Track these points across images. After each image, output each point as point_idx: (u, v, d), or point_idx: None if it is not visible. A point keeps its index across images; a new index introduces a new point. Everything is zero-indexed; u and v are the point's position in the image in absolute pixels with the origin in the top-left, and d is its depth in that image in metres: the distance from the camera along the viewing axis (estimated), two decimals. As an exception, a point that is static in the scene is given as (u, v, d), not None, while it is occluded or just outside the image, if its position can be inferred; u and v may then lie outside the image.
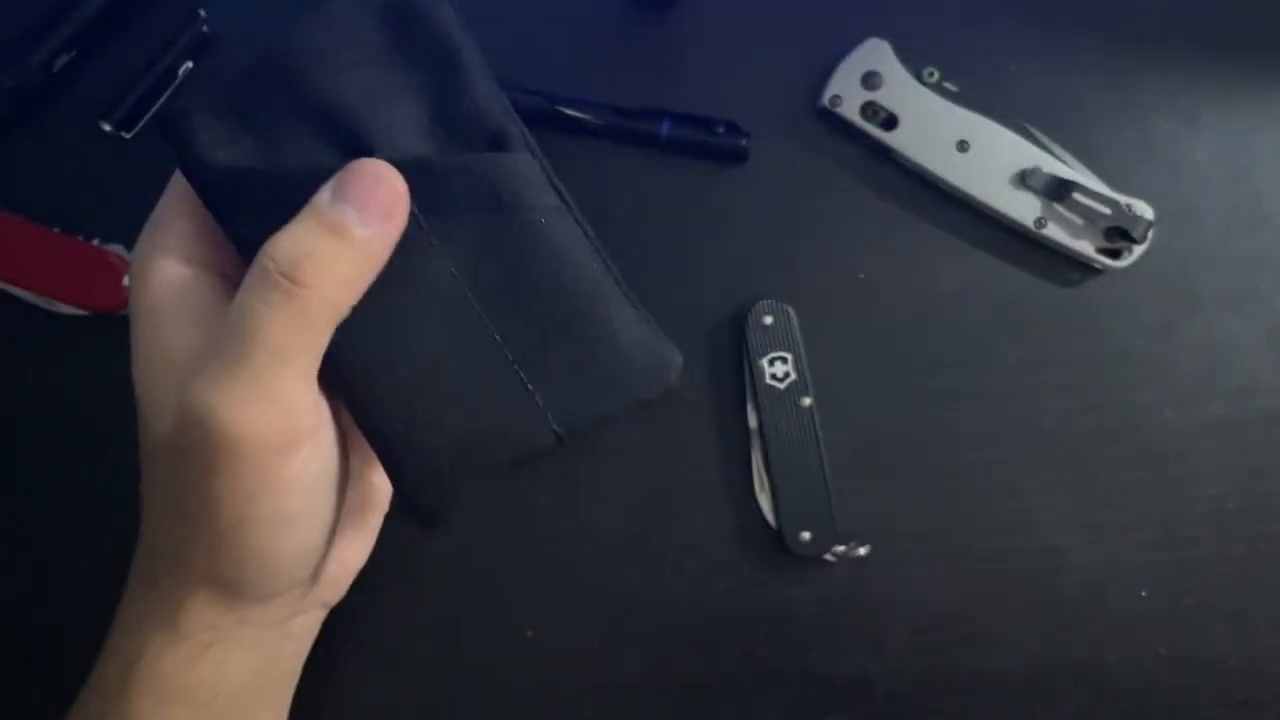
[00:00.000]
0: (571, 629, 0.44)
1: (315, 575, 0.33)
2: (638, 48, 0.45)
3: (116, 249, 0.42)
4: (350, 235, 0.26)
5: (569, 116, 0.43)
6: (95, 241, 0.42)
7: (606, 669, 0.44)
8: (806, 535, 0.43)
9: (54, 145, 0.43)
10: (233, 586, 0.30)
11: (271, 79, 0.27)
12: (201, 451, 0.26)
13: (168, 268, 0.28)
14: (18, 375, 0.44)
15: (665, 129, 0.43)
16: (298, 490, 0.28)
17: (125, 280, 0.42)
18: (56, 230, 0.42)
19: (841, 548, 0.44)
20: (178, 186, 0.29)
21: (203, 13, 0.43)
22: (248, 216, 0.27)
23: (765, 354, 0.43)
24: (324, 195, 0.27)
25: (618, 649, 0.44)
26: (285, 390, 0.26)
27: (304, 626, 0.36)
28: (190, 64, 0.43)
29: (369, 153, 0.27)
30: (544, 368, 0.28)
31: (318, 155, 0.27)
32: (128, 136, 0.43)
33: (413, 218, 0.27)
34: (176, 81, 0.43)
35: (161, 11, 0.43)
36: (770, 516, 0.44)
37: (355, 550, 0.36)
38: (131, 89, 0.42)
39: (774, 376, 0.43)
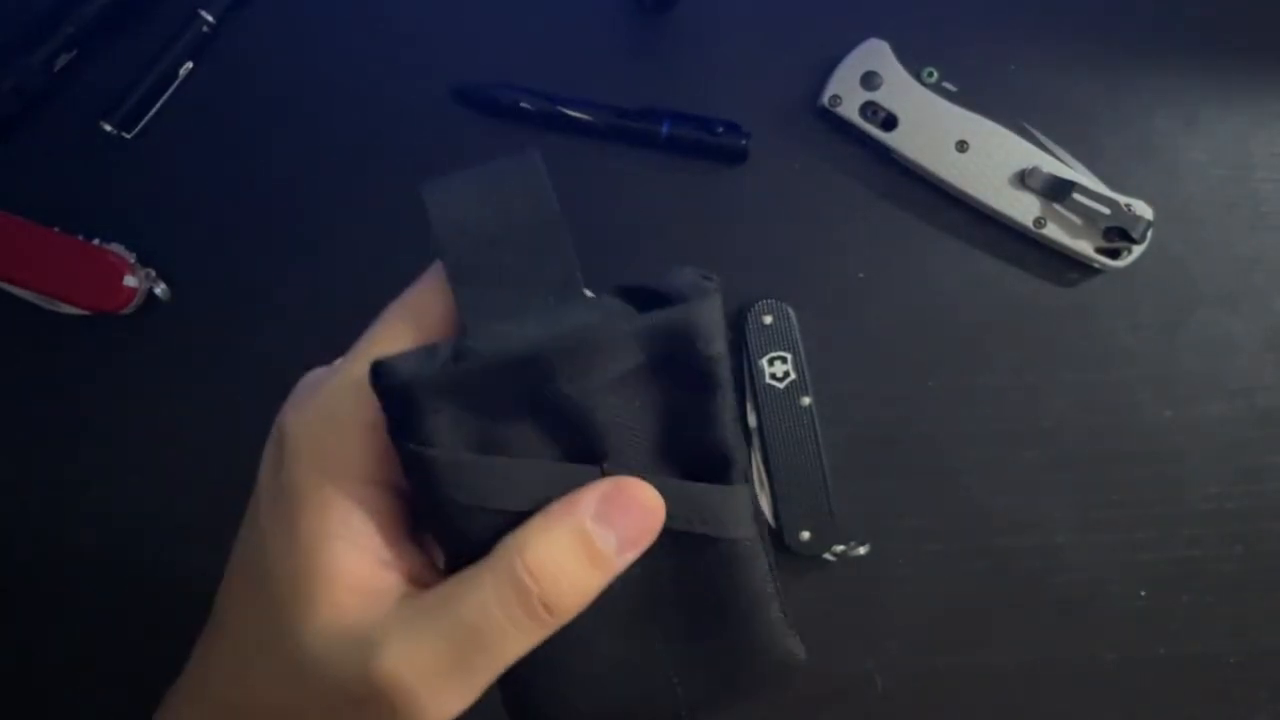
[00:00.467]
0: (571, 629, 0.44)
1: None
2: (638, 48, 0.45)
3: (116, 249, 0.42)
4: (609, 565, 0.25)
5: (569, 116, 0.43)
6: (95, 241, 0.42)
7: (606, 669, 0.44)
8: (806, 535, 0.43)
9: (54, 145, 0.43)
10: None
11: (521, 377, 0.26)
12: (377, 715, 0.25)
13: (347, 489, 0.26)
14: (18, 375, 0.44)
15: (665, 129, 0.43)
16: None
17: (125, 280, 0.42)
18: (56, 230, 0.42)
19: (841, 547, 0.44)
20: (359, 393, 0.26)
21: (204, 12, 0.43)
22: (460, 508, 0.26)
23: (765, 354, 0.43)
24: (587, 511, 0.25)
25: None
26: (484, 689, 0.26)
27: None
28: (190, 64, 0.43)
29: (598, 461, 0.26)
30: (693, 668, 0.28)
31: (543, 456, 0.26)
32: (128, 136, 0.43)
33: None
34: (176, 81, 0.43)
35: (162, 11, 0.43)
36: (770, 516, 0.44)
37: None
38: (132, 89, 0.42)
39: (774, 376, 0.43)
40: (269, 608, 0.26)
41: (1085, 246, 0.44)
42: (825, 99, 0.43)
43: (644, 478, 0.27)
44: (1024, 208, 0.44)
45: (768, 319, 0.43)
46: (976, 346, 0.45)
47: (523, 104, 0.43)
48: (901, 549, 0.45)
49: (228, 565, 0.28)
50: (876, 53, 0.44)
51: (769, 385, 0.44)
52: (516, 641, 0.25)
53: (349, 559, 0.26)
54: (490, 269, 0.26)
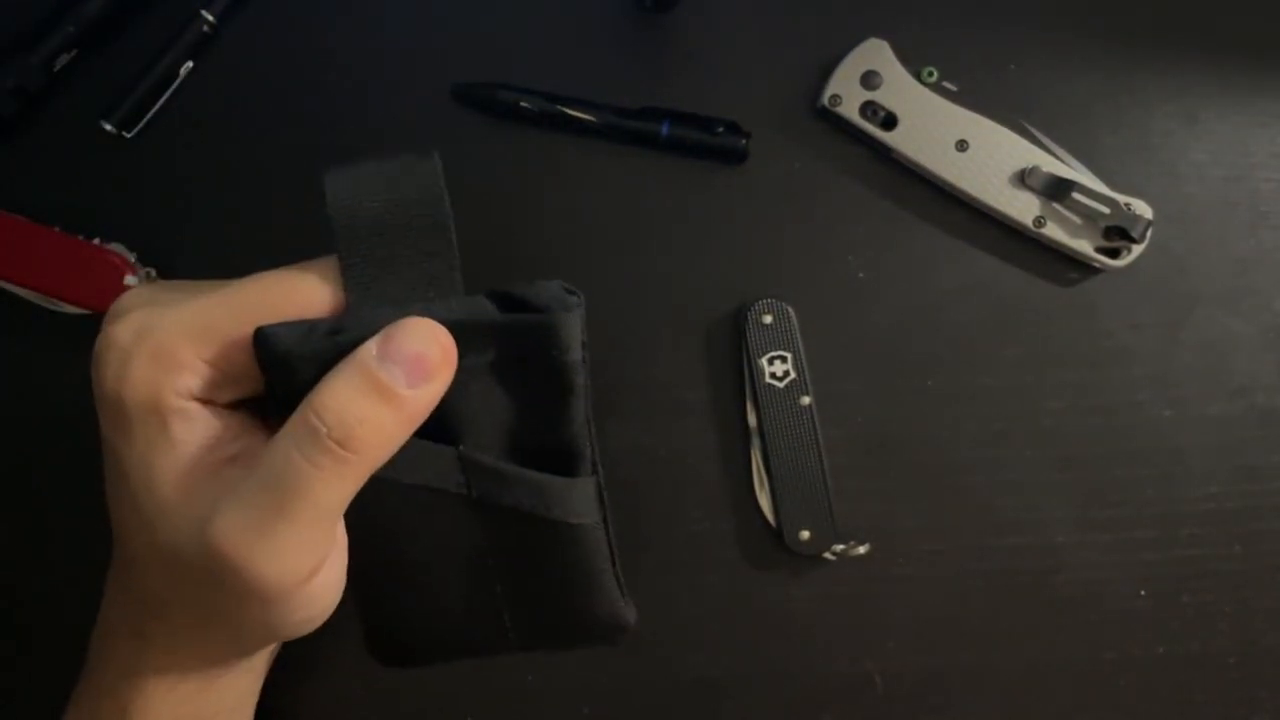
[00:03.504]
0: (571, 628, 0.44)
1: None
2: (638, 48, 0.45)
3: (117, 249, 0.42)
4: (398, 398, 0.26)
5: (569, 116, 0.43)
6: (95, 241, 0.42)
7: (606, 668, 0.44)
8: (806, 534, 0.43)
9: (54, 145, 0.43)
10: (247, 652, 0.32)
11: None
12: (232, 585, 0.27)
13: (185, 405, 0.28)
14: (18, 375, 0.44)
15: (665, 129, 0.43)
16: (319, 600, 0.29)
17: (125, 280, 0.42)
18: (57, 230, 0.42)
19: (841, 547, 0.44)
20: (198, 318, 0.28)
21: (204, 12, 0.43)
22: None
23: (765, 353, 0.44)
24: (370, 351, 0.27)
25: (617, 649, 0.44)
26: (320, 540, 0.27)
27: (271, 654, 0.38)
28: (190, 64, 0.43)
29: (454, 442, 0.29)
30: (526, 615, 0.32)
31: None
32: (128, 136, 0.43)
33: (465, 487, 0.30)
34: (177, 81, 0.43)
35: (161, 11, 0.43)
36: (770, 516, 0.44)
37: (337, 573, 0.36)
38: (132, 89, 0.42)
39: (773, 375, 0.44)
40: (130, 506, 0.29)
41: (1085, 246, 0.44)
42: (825, 98, 0.43)
43: (497, 464, 0.30)
44: (1024, 207, 0.44)
45: (768, 319, 0.43)
46: (976, 346, 0.45)
47: (523, 104, 0.43)
48: (901, 549, 0.45)
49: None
50: (876, 52, 0.44)
51: (768, 385, 0.44)
52: (323, 483, 0.26)
53: (184, 457, 0.28)
54: (377, 258, 0.28)
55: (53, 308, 0.42)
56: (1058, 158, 0.44)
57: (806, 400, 0.44)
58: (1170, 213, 0.45)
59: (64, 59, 0.42)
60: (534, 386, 0.30)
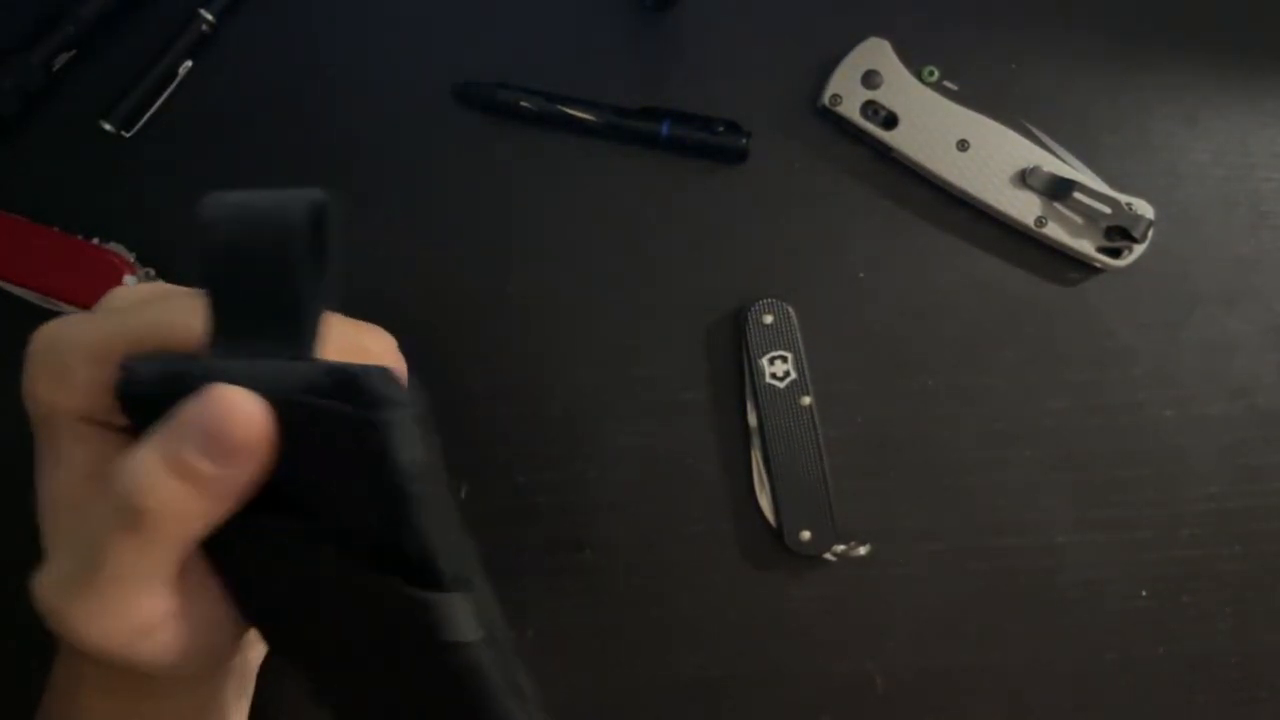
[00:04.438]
0: (572, 629, 0.44)
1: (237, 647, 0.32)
2: (638, 48, 0.45)
3: (116, 249, 0.42)
4: (199, 478, 0.24)
5: (569, 116, 0.43)
6: (95, 241, 0.42)
7: (606, 668, 0.44)
8: (806, 534, 0.43)
9: (54, 145, 0.43)
10: (139, 684, 0.30)
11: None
12: (67, 635, 0.26)
13: (76, 425, 0.27)
14: (17, 375, 0.44)
15: (665, 129, 0.43)
16: (169, 654, 0.27)
17: (125, 280, 0.42)
18: (57, 230, 0.42)
19: (841, 547, 0.44)
20: (98, 338, 0.27)
21: (203, 12, 0.43)
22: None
23: (765, 353, 0.43)
24: (179, 419, 0.24)
25: (617, 649, 0.44)
26: (135, 607, 0.25)
27: (241, 669, 0.36)
28: (190, 63, 0.43)
29: (300, 521, 0.26)
30: (421, 708, 0.30)
31: None
32: (128, 136, 0.43)
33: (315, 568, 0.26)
34: (176, 81, 0.43)
35: (161, 11, 0.43)
36: (770, 516, 0.44)
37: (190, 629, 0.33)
38: (131, 89, 0.42)
39: (774, 375, 0.43)
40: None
41: (1086, 246, 0.44)
42: (826, 98, 0.43)
43: (353, 571, 0.26)
44: (1025, 207, 0.44)
45: (768, 319, 0.43)
46: (976, 346, 0.45)
47: (523, 104, 0.43)
48: (901, 549, 0.45)
49: None
50: (877, 51, 0.43)
51: (769, 385, 0.44)
52: (121, 556, 0.24)
53: (64, 480, 0.28)
54: (234, 300, 0.25)
55: (52, 308, 0.42)
56: (1059, 157, 0.44)
57: (807, 400, 0.44)
58: (1171, 213, 0.45)
59: (64, 59, 0.42)
60: (369, 485, 0.25)
